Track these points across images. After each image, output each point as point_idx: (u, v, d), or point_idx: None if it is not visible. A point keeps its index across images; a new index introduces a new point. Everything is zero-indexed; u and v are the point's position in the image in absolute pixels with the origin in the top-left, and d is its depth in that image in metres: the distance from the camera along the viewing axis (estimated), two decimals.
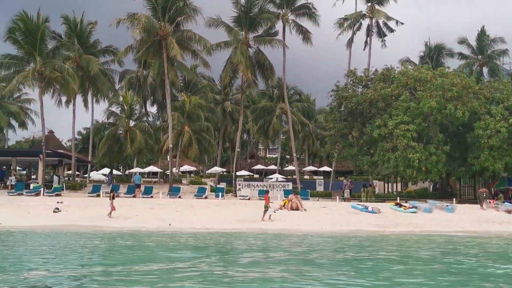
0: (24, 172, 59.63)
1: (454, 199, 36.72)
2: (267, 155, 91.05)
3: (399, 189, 53.24)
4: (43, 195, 35.67)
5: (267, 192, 27.18)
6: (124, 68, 54.84)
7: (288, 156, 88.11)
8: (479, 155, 36.12)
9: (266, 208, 25.59)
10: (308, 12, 43.99)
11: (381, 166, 39.68)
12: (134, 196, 36.96)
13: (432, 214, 29.22)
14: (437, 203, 32.83)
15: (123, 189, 38.82)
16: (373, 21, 50.97)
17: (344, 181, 42.26)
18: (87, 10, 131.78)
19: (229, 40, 42.70)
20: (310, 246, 18.54)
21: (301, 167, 63.79)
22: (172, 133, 42.88)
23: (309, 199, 37.03)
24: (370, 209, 29.11)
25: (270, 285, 10.75)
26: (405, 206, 30.38)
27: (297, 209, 28.86)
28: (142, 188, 38.97)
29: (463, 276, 12.53)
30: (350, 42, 51.02)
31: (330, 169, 64.93)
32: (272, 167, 71.76)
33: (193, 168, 62.20)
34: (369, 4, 50.03)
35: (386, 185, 56.13)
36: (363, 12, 50.61)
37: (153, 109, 62.40)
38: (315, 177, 65.98)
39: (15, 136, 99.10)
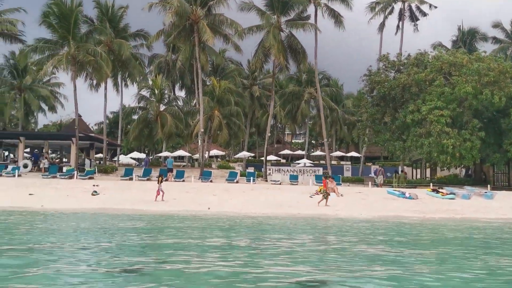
0: (54, 155, 60.58)
1: (488, 185, 36.26)
2: (293, 140, 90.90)
3: (427, 175, 52.67)
4: (77, 178, 36.23)
5: (325, 177, 27.18)
6: (153, 52, 55.14)
7: (313, 142, 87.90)
8: None
9: (325, 193, 25.65)
10: None
11: (414, 151, 39.26)
12: (166, 180, 37.26)
13: (470, 201, 28.84)
14: (475, 189, 32.41)
15: (154, 173, 39.15)
16: (406, 4, 50.15)
17: (378, 167, 42.00)
18: None
19: (261, 24, 42.30)
20: (374, 230, 18.25)
21: (329, 152, 63.59)
22: (202, 118, 43.01)
23: (341, 184, 36.97)
24: (407, 195, 28.77)
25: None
26: (442, 193, 29.99)
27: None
28: (174, 172, 39.30)
29: None
30: (381, 26, 50.41)
31: (358, 154, 64.77)
32: (299, 152, 71.76)
33: (221, 153, 62.52)
34: None
35: (414, 170, 55.63)
36: None
37: (181, 94, 62.74)
38: (342, 162, 65.83)
39: (44, 119, 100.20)
